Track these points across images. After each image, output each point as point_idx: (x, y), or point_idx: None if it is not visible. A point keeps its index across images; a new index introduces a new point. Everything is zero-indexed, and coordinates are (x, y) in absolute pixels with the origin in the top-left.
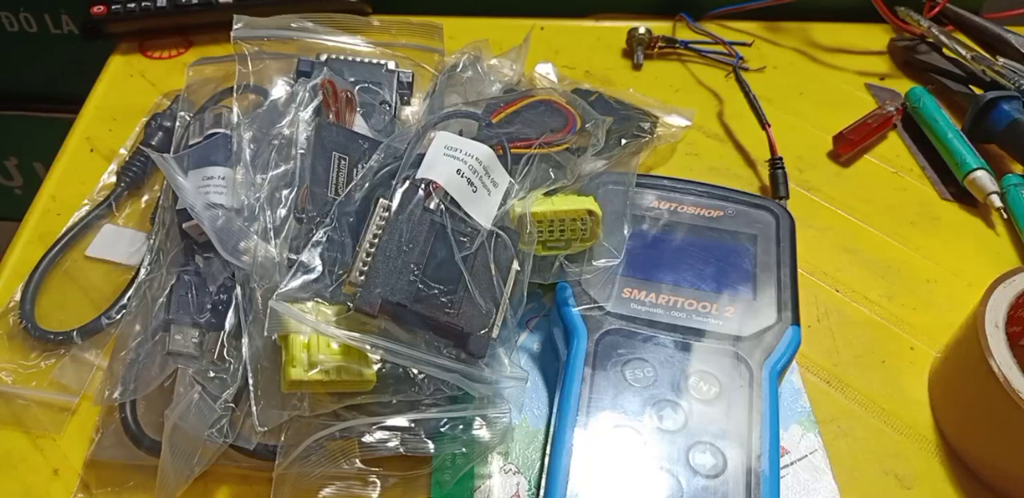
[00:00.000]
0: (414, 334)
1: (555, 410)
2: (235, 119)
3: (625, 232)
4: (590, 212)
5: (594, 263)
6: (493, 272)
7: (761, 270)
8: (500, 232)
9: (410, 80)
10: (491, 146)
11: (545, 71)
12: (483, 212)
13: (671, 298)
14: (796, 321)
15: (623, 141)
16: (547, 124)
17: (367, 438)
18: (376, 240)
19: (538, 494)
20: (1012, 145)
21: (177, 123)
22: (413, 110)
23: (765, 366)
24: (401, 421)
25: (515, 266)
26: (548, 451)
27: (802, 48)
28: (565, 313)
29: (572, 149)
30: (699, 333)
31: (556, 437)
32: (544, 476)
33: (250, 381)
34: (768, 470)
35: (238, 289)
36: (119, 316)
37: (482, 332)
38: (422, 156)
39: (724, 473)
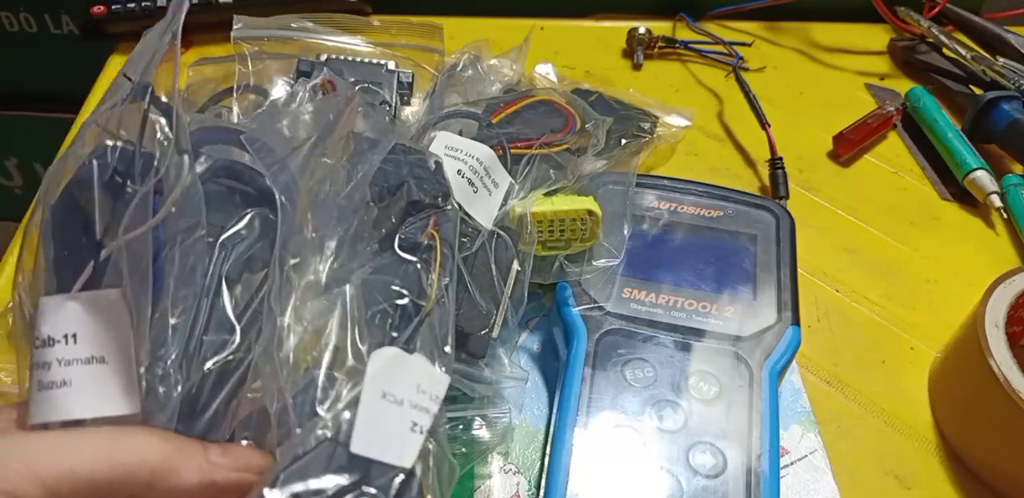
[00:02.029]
0: None
1: (555, 410)
2: (235, 119)
3: (625, 232)
4: (590, 212)
5: (594, 263)
6: (493, 272)
7: (761, 270)
8: (500, 232)
9: (410, 80)
10: (491, 146)
11: (545, 71)
12: (484, 212)
13: (671, 298)
14: (796, 321)
15: (623, 141)
16: (547, 124)
17: None
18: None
19: (538, 494)
20: (1012, 145)
21: None
22: (413, 110)
23: (765, 366)
24: None
25: (515, 266)
26: (548, 451)
27: (802, 48)
28: (565, 313)
29: (572, 149)
30: (699, 333)
31: (556, 437)
32: (544, 476)
33: None
34: (768, 470)
35: None
36: None
37: (482, 332)
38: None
39: (724, 473)
